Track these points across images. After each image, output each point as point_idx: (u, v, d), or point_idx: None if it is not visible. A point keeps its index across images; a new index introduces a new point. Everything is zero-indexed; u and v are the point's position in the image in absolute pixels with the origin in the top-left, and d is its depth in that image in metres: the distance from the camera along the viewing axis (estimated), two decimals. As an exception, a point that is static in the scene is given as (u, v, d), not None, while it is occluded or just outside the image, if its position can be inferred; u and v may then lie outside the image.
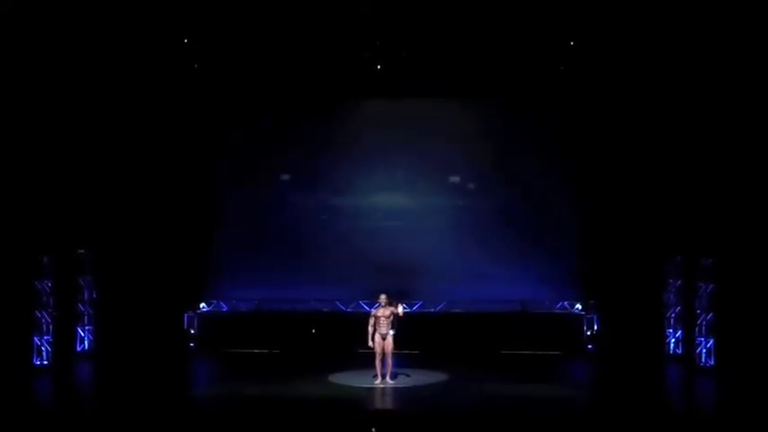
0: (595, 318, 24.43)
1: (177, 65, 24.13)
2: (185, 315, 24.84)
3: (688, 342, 23.21)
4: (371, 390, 19.74)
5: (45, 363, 22.11)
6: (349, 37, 23.58)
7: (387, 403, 18.97)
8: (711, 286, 22.25)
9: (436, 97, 24.84)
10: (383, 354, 19.93)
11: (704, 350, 22.23)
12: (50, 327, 22.29)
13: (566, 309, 24.95)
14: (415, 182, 25.29)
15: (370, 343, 20.07)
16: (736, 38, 21.90)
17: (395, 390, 19.73)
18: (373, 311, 20.13)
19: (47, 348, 22.18)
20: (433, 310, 24.87)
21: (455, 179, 25.32)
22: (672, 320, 23.87)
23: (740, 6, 21.32)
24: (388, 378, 20.01)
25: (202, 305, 25.29)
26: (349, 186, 25.38)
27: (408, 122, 25.11)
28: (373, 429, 16.17)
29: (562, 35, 23.68)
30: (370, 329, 19.99)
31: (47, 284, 22.34)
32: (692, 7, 21.69)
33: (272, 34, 23.59)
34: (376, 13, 22.32)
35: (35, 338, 22.09)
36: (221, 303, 25.40)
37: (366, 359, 20.81)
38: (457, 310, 24.91)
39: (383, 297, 20.00)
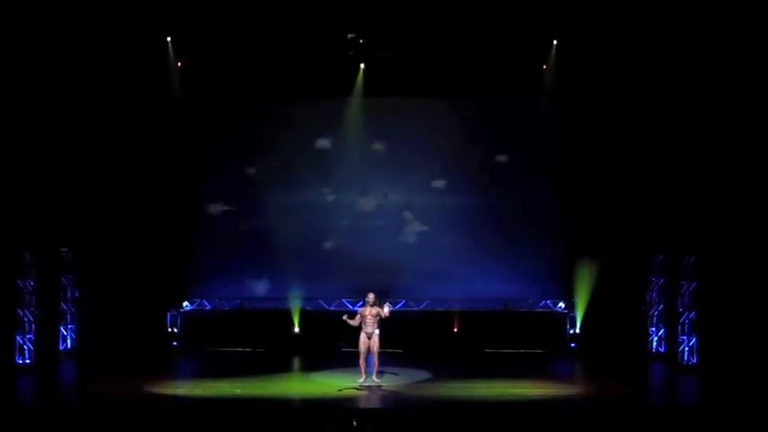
0: (578, 316, 24.47)
1: (160, 64, 24.15)
2: (168, 314, 24.80)
3: (671, 340, 23.29)
4: (356, 389, 19.71)
5: (28, 362, 22.03)
6: (330, 36, 23.65)
7: (371, 402, 18.95)
8: (694, 284, 22.34)
9: (419, 95, 24.81)
10: (368, 352, 19.89)
11: (687, 348, 22.31)
12: (33, 326, 22.22)
13: (549, 307, 25.02)
14: (398, 180, 25.28)
15: (345, 317, 19.91)
16: (717, 42, 22.08)
17: (379, 388, 19.72)
18: (360, 310, 20.06)
19: (29, 347, 22.10)
20: (416, 308, 24.89)
21: (438, 177, 25.26)
22: (655, 319, 23.95)
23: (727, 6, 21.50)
24: (374, 377, 19.96)
25: (185, 304, 25.25)
26: (333, 184, 25.35)
27: (392, 121, 25.13)
28: (354, 422, 16.17)
29: (546, 33, 23.82)
30: (355, 322, 19.89)
31: (29, 283, 22.27)
32: (679, 6, 21.86)
33: (252, 33, 23.66)
34: (364, 11, 22.41)
35: (18, 337, 22.01)
36: (204, 302, 25.36)
37: (351, 358, 20.80)
38: (440, 309, 24.94)
39: (371, 296, 19.89)
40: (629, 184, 23.86)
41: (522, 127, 25.07)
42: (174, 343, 24.79)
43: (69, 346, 23.98)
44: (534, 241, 24.86)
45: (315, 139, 25.17)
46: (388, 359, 21.72)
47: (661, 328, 23.84)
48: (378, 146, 25.17)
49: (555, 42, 24.12)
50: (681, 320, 22.44)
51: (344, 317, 19.96)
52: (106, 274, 24.13)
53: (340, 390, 19.62)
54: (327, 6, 22.86)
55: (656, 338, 23.94)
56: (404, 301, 24.70)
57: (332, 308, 24.83)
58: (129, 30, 23.01)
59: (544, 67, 24.49)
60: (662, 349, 23.78)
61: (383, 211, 25.34)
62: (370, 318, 19.72)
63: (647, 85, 23.29)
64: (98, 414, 17.61)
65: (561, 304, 24.92)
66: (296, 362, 23.70)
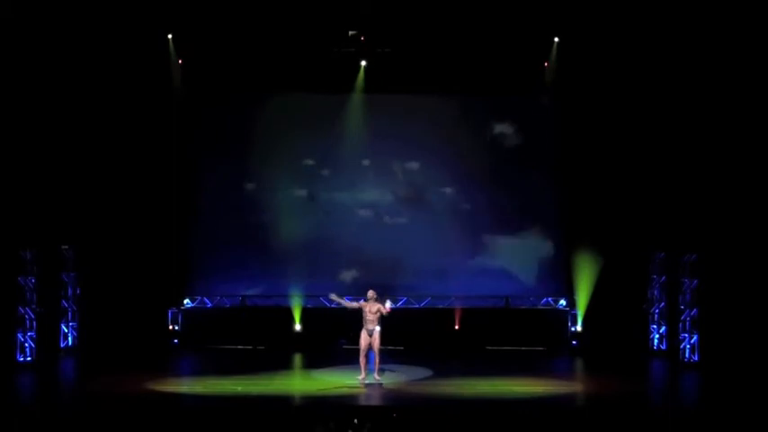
0: (579, 314, 24.44)
1: (160, 61, 24.17)
2: (169, 311, 24.76)
3: (672, 338, 23.26)
4: (356, 386, 19.69)
5: (28, 359, 22.02)
6: (331, 33, 23.64)
7: (372, 400, 18.93)
8: (695, 282, 22.30)
9: (419, 92, 24.77)
10: (368, 350, 19.84)
11: (688, 346, 22.28)
12: (34, 323, 22.21)
13: (550, 305, 24.99)
14: (399, 177, 25.26)
15: (333, 295, 20.01)
16: (717, 40, 22.07)
17: (380, 386, 19.70)
18: (362, 303, 19.99)
19: (30, 344, 22.09)
20: (417, 305, 24.87)
21: (439, 175, 25.22)
22: (656, 316, 23.94)
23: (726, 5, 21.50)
24: (375, 374, 19.93)
25: (186, 301, 25.23)
26: (332, 182, 25.32)
27: (392, 118, 25.08)
28: (355, 420, 16.14)
29: (547, 30, 23.80)
30: (353, 305, 19.89)
31: (30, 280, 22.27)
32: (679, 4, 21.85)
33: (254, 31, 23.65)
34: (365, 9, 22.41)
35: (19, 334, 22.00)
36: (205, 299, 25.35)
37: (351, 355, 20.77)
38: (441, 306, 24.93)
39: (371, 292, 19.87)
40: (630, 182, 23.85)
41: (522, 124, 25.04)
42: (175, 340, 24.75)
43: (70, 343, 24.03)
44: (535, 238, 24.88)
45: (315, 136, 25.12)
46: (390, 356, 21.73)
47: (662, 325, 23.83)
48: (377, 142, 25.08)
49: (556, 40, 24.12)
50: (682, 318, 22.42)
51: (332, 295, 19.91)
52: (107, 272, 24.14)
53: (341, 387, 19.58)
54: (329, 4, 22.85)
55: (657, 336, 23.94)
56: (405, 299, 24.68)
57: (333, 305, 24.79)
58: (129, 27, 23.04)
59: (545, 64, 24.48)
60: (663, 347, 23.77)
61: (384, 208, 25.31)
62: (370, 315, 19.68)
63: (647, 82, 23.30)
64: (99, 411, 17.60)
65: (563, 302, 24.91)
66: (297, 359, 23.68)
